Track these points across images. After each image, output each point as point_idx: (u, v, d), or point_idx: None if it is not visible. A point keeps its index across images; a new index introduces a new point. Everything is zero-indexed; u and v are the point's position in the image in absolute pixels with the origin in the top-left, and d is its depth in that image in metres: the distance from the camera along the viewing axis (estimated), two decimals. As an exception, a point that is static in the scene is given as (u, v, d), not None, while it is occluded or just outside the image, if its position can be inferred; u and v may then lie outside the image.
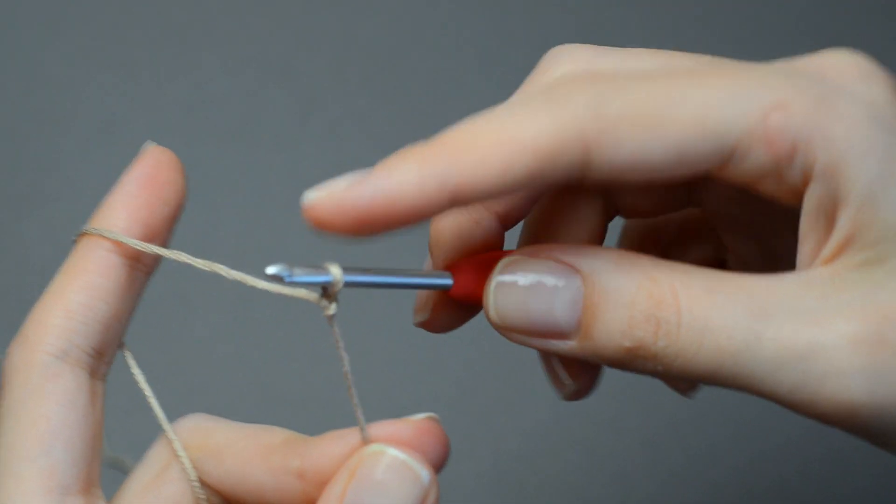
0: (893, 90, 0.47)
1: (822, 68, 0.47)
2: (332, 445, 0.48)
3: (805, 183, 0.46)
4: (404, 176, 0.44)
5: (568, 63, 0.50)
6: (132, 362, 0.51)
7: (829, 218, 0.46)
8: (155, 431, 0.51)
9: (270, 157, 1.00)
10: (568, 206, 0.54)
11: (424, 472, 0.46)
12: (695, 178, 0.47)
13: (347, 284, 0.47)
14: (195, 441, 0.50)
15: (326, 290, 0.47)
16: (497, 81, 1.02)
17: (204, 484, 0.50)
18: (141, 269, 0.50)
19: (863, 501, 0.90)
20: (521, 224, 0.55)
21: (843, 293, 0.45)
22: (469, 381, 0.92)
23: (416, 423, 0.48)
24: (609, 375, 0.93)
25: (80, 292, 0.48)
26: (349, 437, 0.48)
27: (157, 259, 0.51)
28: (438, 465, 0.48)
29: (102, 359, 0.49)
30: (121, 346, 0.50)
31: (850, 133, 0.45)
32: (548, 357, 0.54)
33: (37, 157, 0.99)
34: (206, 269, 0.49)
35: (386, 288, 0.49)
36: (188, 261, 0.49)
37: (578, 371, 0.54)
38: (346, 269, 0.47)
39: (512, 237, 0.55)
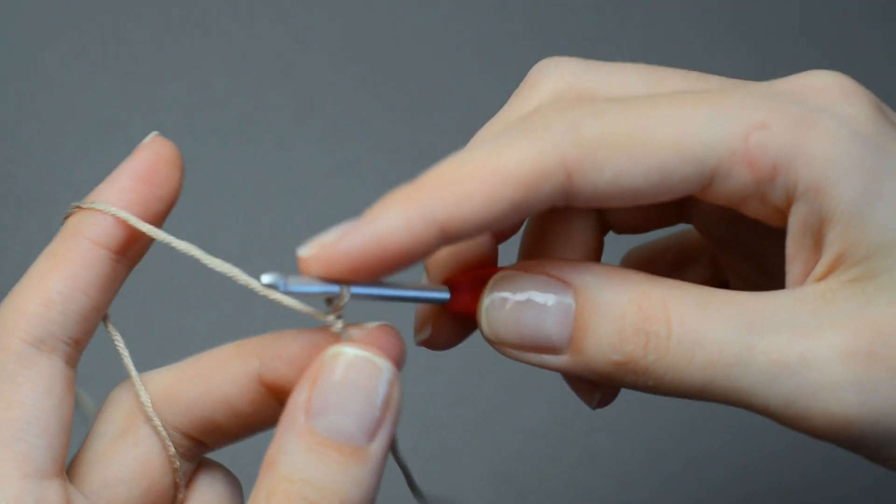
0: (875, 107, 0.47)
1: (803, 89, 0.47)
2: (288, 348, 0.48)
3: (789, 203, 0.46)
4: (391, 219, 0.45)
5: (555, 77, 0.51)
6: (116, 335, 0.50)
7: (815, 237, 0.46)
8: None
9: (270, 157, 1.00)
10: (561, 221, 0.54)
11: (385, 365, 0.46)
12: (677, 197, 0.47)
13: (353, 296, 0.47)
14: (147, 392, 0.50)
15: (332, 303, 0.47)
16: (497, 81, 1.02)
17: (170, 431, 0.49)
18: (124, 262, 0.50)
19: (862, 500, 0.90)
20: (519, 238, 0.55)
21: (834, 308, 0.45)
22: (469, 382, 0.92)
23: (370, 328, 0.48)
24: (609, 375, 0.93)
25: (60, 282, 0.48)
26: (302, 339, 0.48)
27: (141, 253, 0.50)
28: (397, 363, 0.47)
29: (78, 347, 0.49)
30: (104, 318, 0.50)
31: (832, 151, 0.45)
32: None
33: (37, 157, 0.99)
34: (216, 268, 0.48)
35: (385, 300, 0.48)
36: (199, 256, 0.48)
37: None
38: (348, 282, 0.47)
39: (512, 250, 0.55)
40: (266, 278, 0.46)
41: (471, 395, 0.92)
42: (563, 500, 0.89)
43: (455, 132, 0.99)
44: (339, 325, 0.47)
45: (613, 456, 0.90)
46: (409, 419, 0.93)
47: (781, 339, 0.44)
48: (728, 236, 0.54)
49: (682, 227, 0.57)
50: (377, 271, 0.45)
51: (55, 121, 1.00)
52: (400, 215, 0.45)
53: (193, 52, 1.03)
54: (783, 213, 0.46)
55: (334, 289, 0.46)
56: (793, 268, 0.47)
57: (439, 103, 1.01)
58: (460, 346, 0.94)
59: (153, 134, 0.51)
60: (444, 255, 0.52)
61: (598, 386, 0.53)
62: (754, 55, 1.04)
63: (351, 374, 0.45)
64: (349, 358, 0.45)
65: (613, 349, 0.46)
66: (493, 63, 1.03)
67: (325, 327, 0.48)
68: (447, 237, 0.45)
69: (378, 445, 0.45)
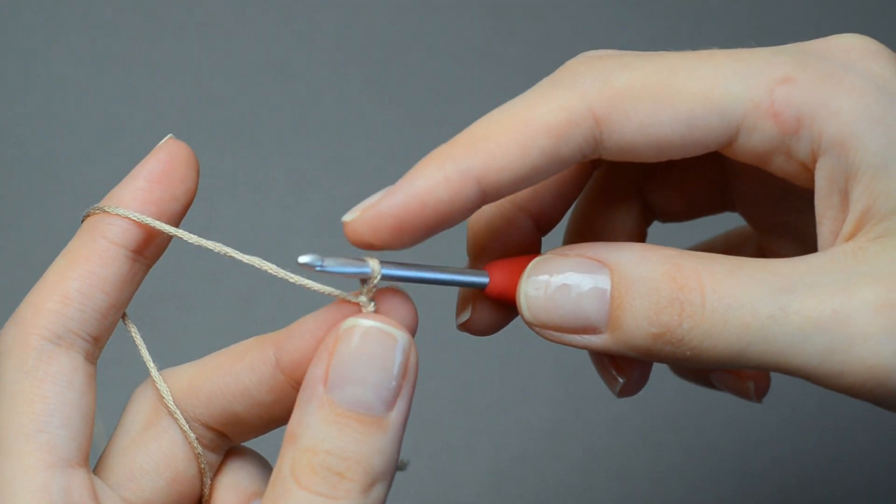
0: None
1: (829, 48, 0.48)
2: (303, 328, 0.49)
3: (814, 159, 0.47)
4: (429, 176, 0.47)
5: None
6: (134, 331, 0.51)
7: (842, 194, 0.46)
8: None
9: (270, 157, 1.00)
10: (605, 211, 0.55)
11: (401, 334, 0.47)
12: (705, 152, 0.47)
13: (385, 277, 0.48)
14: (169, 386, 0.51)
15: (366, 283, 0.48)
16: (497, 81, 1.02)
17: (193, 423, 0.50)
18: (141, 261, 0.50)
19: (860, 499, 0.90)
20: (562, 234, 0.56)
21: (864, 264, 0.45)
22: (469, 382, 0.92)
23: (383, 296, 0.48)
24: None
25: (78, 280, 0.49)
26: (318, 317, 0.49)
27: (159, 252, 0.51)
28: (411, 328, 0.48)
29: (98, 344, 0.50)
30: (123, 316, 0.51)
31: (856, 105, 0.46)
32: (598, 355, 0.54)
33: (37, 157, 0.99)
34: (247, 261, 0.50)
35: (422, 283, 0.49)
36: (229, 252, 0.50)
37: (627, 366, 0.54)
38: (384, 263, 0.48)
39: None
40: (304, 258, 0.47)
41: (471, 394, 0.92)
42: (564, 500, 0.89)
43: (455, 132, 0.99)
44: (371, 306, 0.48)
45: (614, 455, 0.90)
46: (409, 419, 0.93)
47: (814, 297, 0.45)
48: (771, 217, 0.54)
49: (725, 232, 0.57)
50: (418, 230, 0.47)
51: (55, 121, 1.00)
52: (438, 171, 0.47)
53: (193, 51, 1.03)
54: (809, 171, 0.47)
55: (368, 269, 0.47)
56: (822, 228, 0.47)
57: (439, 103, 1.01)
58: (460, 346, 0.94)
59: (168, 136, 0.52)
60: (486, 241, 0.53)
61: (623, 370, 0.54)
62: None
63: (367, 345, 0.46)
64: (364, 329, 0.46)
65: (650, 322, 0.46)
66: (493, 63, 1.03)
67: (338, 303, 0.48)
68: (485, 191, 0.47)
69: (397, 414, 0.46)
